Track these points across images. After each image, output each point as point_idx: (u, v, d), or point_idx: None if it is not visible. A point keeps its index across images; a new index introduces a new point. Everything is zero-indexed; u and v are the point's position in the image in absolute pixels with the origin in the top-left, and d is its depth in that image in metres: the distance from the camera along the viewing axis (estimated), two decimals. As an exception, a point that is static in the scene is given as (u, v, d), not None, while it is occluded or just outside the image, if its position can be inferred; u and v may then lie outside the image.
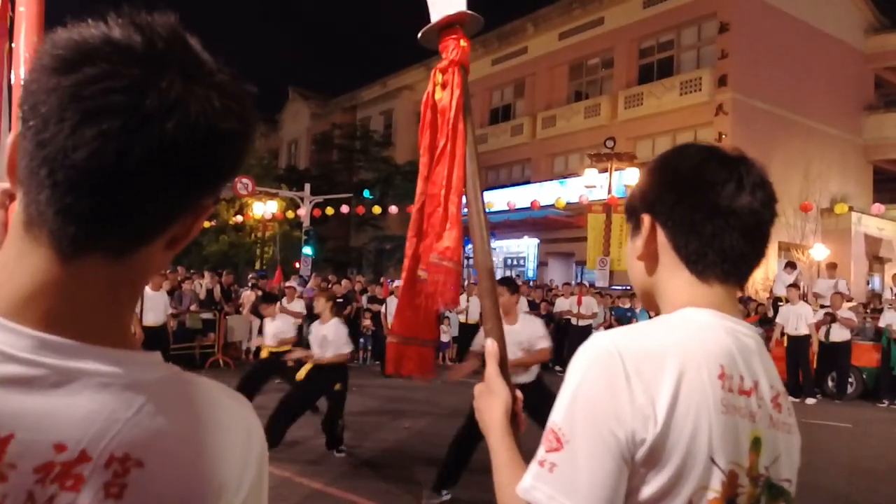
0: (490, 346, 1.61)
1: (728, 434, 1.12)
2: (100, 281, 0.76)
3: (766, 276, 22.29)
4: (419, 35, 1.94)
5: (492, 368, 1.56)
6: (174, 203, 0.77)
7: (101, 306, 0.77)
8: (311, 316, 11.78)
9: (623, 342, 1.13)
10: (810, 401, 13.12)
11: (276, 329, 9.15)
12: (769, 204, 1.25)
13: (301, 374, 7.75)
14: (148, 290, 11.28)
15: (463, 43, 1.91)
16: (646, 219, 1.29)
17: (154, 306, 12.26)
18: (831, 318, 13.80)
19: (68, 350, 0.73)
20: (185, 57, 0.75)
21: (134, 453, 0.73)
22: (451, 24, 1.90)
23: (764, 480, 1.19)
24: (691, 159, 1.27)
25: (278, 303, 10.40)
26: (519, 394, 1.52)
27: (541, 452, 1.12)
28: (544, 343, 6.40)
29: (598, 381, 1.10)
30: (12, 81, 1.41)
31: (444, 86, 1.93)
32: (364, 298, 17.94)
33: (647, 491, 1.09)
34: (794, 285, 14.61)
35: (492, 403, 1.47)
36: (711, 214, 1.22)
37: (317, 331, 7.82)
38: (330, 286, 17.88)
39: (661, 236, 1.27)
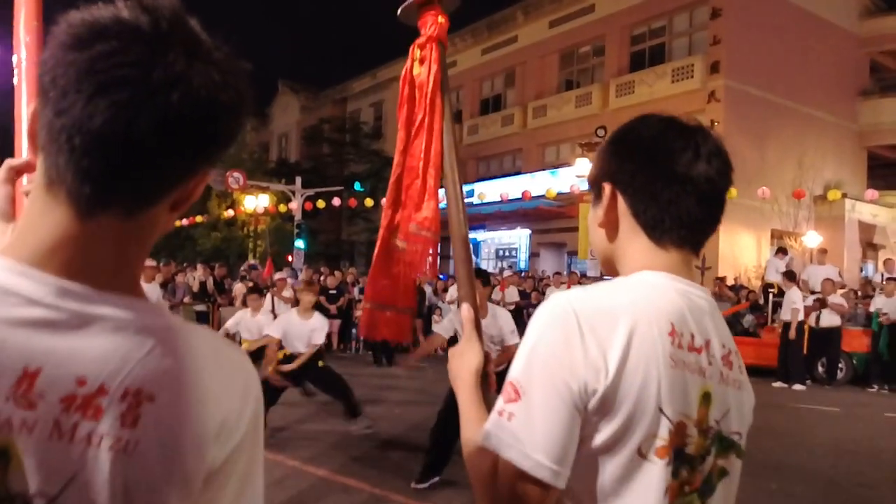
0: (465, 310, 1.76)
1: (676, 387, 1.21)
2: (112, 237, 0.87)
3: (759, 263, 22.49)
4: (399, 11, 2.03)
5: (467, 330, 1.70)
6: (178, 168, 0.88)
7: (114, 259, 0.88)
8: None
9: (579, 301, 1.23)
10: (798, 386, 13.29)
11: (261, 325, 9.23)
12: (725, 172, 1.32)
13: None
14: (141, 282, 11.44)
15: (441, 19, 2.00)
16: (606, 187, 1.37)
17: (147, 297, 12.37)
18: (821, 304, 13.97)
19: (86, 297, 0.84)
20: (188, 36, 0.85)
21: (146, 388, 0.84)
22: (429, 1, 1.99)
23: (714, 433, 1.28)
24: (652, 128, 1.35)
25: (267, 294, 10.56)
26: (492, 355, 1.66)
27: (499, 403, 1.22)
28: (514, 339, 6.43)
29: (555, 337, 1.20)
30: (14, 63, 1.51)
31: (422, 61, 2.03)
32: (356, 290, 18.08)
33: (600, 438, 1.18)
34: (787, 273, 14.74)
35: (463, 363, 1.60)
36: (669, 182, 1.29)
37: (300, 326, 7.98)
38: (322, 278, 18.02)
39: (622, 204, 1.35)
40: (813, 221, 23.97)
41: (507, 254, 30.70)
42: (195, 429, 0.88)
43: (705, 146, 1.31)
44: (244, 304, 16.01)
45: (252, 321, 9.66)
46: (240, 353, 1.01)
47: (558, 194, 21.82)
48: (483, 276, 6.62)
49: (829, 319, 13.86)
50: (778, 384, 13.40)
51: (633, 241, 1.36)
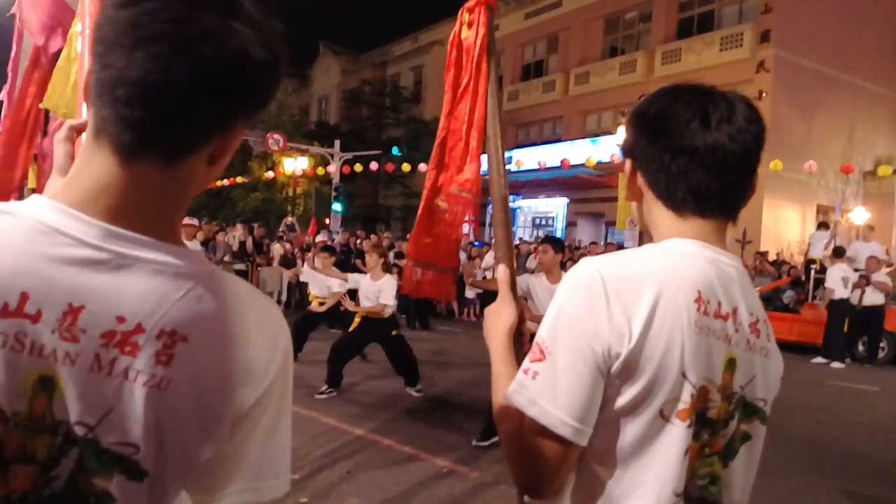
0: (502, 272, 1.83)
1: (700, 353, 1.25)
2: (152, 184, 0.94)
3: (803, 238, 22.14)
4: None
5: (503, 291, 1.77)
6: (211, 119, 0.94)
7: (154, 206, 0.94)
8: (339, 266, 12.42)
9: (606, 267, 1.26)
10: (836, 364, 13.16)
11: (331, 283, 9.87)
12: (737, 136, 1.30)
13: (352, 327, 8.41)
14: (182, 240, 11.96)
15: None
16: (627, 163, 1.43)
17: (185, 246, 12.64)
18: (866, 282, 13.77)
19: (128, 239, 0.91)
20: (222, 7, 0.91)
21: (180, 329, 0.91)
22: None
23: (738, 398, 1.32)
24: (659, 103, 1.36)
25: (305, 263, 11.04)
26: (527, 315, 1.73)
27: (526, 362, 1.28)
28: None
29: (581, 301, 1.24)
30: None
31: (469, 25, 2.08)
32: (391, 254, 18.22)
33: (622, 400, 1.23)
34: (836, 249, 14.42)
35: (498, 321, 1.65)
36: (675, 154, 1.31)
37: (369, 286, 8.30)
38: (358, 242, 18.18)
39: (640, 177, 1.40)
40: (861, 197, 23.50)
41: (543, 222, 30.61)
42: (226, 371, 0.95)
43: (716, 113, 1.31)
44: (281, 264, 16.36)
45: (323, 278, 10.13)
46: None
47: (598, 163, 21.63)
48: (554, 242, 6.75)
49: (872, 297, 13.62)
50: (818, 360, 13.28)
51: (657, 212, 1.39)
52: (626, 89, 25.88)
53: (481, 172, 2.08)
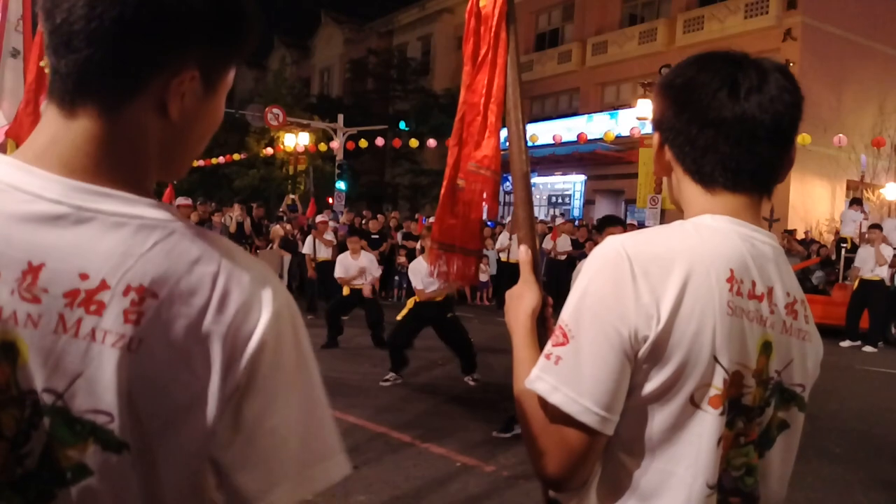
0: (524, 252, 1.80)
1: (734, 335, 1.22)
2: (97, 135, 0.93)
3: (832, 216, 22.03)
4: None
5: (525, 273, 1.74)
6: (142, 59, 0.92)
7: (107, 159, 0.93)
8: (341, 246, 13.13)
9: (633, 246, 1.24)
10: (868, 348, 13.08)
11: (361, 266, 10.54)
12: (768, 106, 1.27)
13: (404, 311, 8.68)
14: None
15: None
16: (655, 136, 1.40)
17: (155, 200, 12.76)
18: (899, 262, 13.69)
19: (86, 191, 0.90)
20: None
21: (149, 285, 0.88)
22: None
23: (774, 383, 1.29)
24: (686, 71, 1.34)
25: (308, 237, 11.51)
26: (550, 298, 1.70)
27: (548, 346, 1.26)
28: None
29: (606, 281, 1.22)
30: None
31: None
32: (399, 235, 18.22)
33: (650, 386, 1.21)
34: (877, 226, 14.21)
35: (520, 305, 1.63)
36: (702, 127, 1.29)
37: (427, 269, 8.34)
38: (364, 222, 18.18)
39: (668, 151, 1.37)
40: (893, 173, 23.33)
41: (559, 200, 30.55)
42: (203, 331, 0.90)
43: (745, 82, 1.28)
44: (281, 247, 16.37)
45: (352, 263, 10.67)
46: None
47: (617, 138, 21.55)
48: (615, 223, 6.72)
49: (906, 278, 13.58)
50: (846, 343, 13.25)
51: (686, 187, 1.37)
52: (646, 59, 25.75)
53: (501, 148, 2.05)
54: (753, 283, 1.27)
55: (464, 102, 2.10)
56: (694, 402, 1.22)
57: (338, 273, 10.79)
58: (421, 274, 8.48)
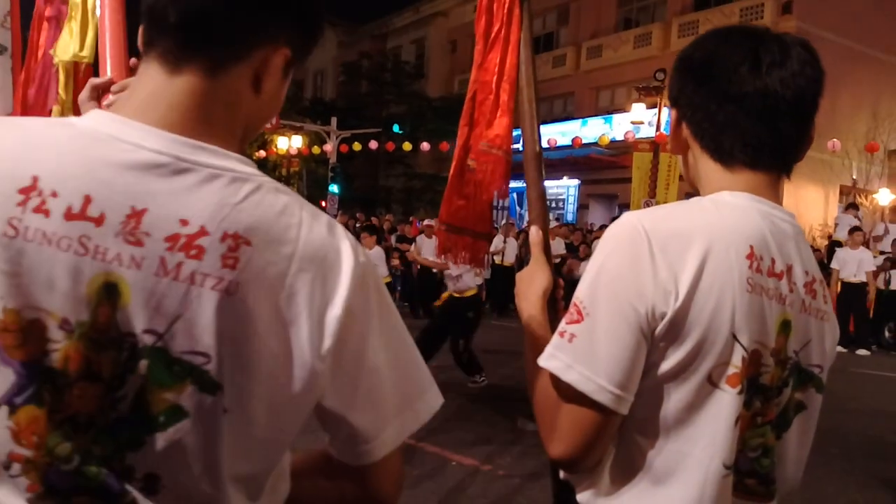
0: (534, 233, 1.78)
1: (753, 313, 1.20)
2: (199, 92, 0.98)
3: (826, 221, 22.11)
4: None
5: (536, 254, 1.72)
6: (252, 25, 0.99)
7: (205, 116, 0.99)
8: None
9: (650, 222, 1.22)
10: (862, 352, 13.14)
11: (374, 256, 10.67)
12: (790, 81, 1.25)
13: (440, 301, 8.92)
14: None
15: None
16: (672, 112, 1.38)
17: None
18: (891, 265, 13.75)
19: (185, 144, 0.95)
20: None
21: (243, 233, 0.93)
22: None
23: (793, 363, 1.28)
24: (706, 45, 1.32)
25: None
26: (561, 280, 1.69)
27: (562, 324, 1.24)
28: None
29: (623, 258, 1.20)
30: None
31: None
32: (393, 238, 18.21)
33: (667, 365, 1.19)
34: (858, 228, 14.46)
35: (530, 287, 1.62)
36: (722, 101, 1.27)
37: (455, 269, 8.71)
38: (357, 226, 18.17)
39: (685, 128, 1.35)
40: (886, 178, 23.43)
41: (553, 204, 30.51)
42: (293, 275, 0.95)
43: (767, 55, 1.26)
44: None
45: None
46: (328, 217, 1.04)
47: (611, 142, 21.56)
48: None
49: (899, 282, 13.64)
50: (838, 349, 13.24)
51: (704, 165, 1.35)
52: (641, 64, 25.82)
53: (512, 127, 2.04)
54: (773, 261, 1.25)
55: (475, 81, 2.09)
56: (712, 381, 1.20)
57: None
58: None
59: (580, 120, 27.03)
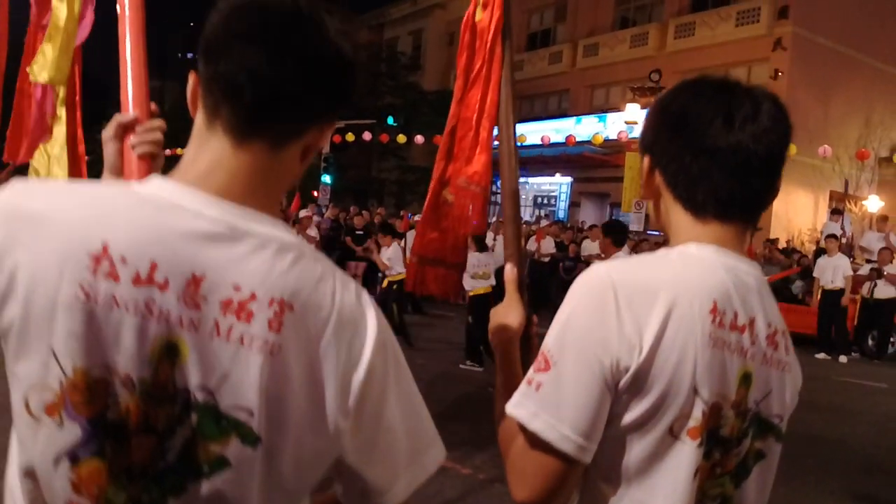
0: (510, 271, 1.82)
1: (714, 367, 1.23)
2: (260, 165, 1.07)
3: (815, 226, 22.21)
4: None
5: (510, 292, 1.76)
6: (312, 108, 1.09)
7: (261, 186, 1.07)
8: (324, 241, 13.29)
9: (618, 274, 1.24)
10: (842, 359, 13.25)
11: (388, 258, 11.17)
12: (762, 137, 1.28)
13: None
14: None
15: None
16: (645, 159, 1.41)
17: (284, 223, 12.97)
18: (877, 274, 13.83)
19: (241, 214, 1.03)
20: (317, 13, 1.07)
21: (287, 298, 1.02)
22: None
23: (753, 414, 1.30)
24: (681, 98, 1.34)
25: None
26: (535, 317, 1.72)
27: (530, 372, 1.27)
28: None
29: (590, 310, 1.23)
30: None
31: (484, 6, 2.05)
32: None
33: (630, 416, 1.22)
34: (833, 236, 14.56)
35: (504, 325, 1.66)
36: (697, 154, 1.29)
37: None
38: (349, 218, 18.16)
39: (658, 176, 1.37)
40: (876, 185, 23.54)
41: (545, 202, 30.58)
42: (325, 339, 1.04)
43: (740, 111, 1.28)
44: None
45: (379, 256, 11.43)
46: (355, 282, 1.14)
47: (605, 141, 21.60)
48: (615, 233, 6.93)
49: (884, 291, 13.68)
50: (822, 356, 13.39)
51: (675, 214, 1.37)
52: (637, 63, 25.86)
53: (491, 164, 2.08)
54: (736, 315, 1.28)
55: (454, 116, 2.13)
56: (673, 433, 1.23)
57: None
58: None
59: (574, 118, 27.04)
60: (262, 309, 1.00)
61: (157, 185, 1.04)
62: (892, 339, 13.91)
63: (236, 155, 1.06)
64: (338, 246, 16.53)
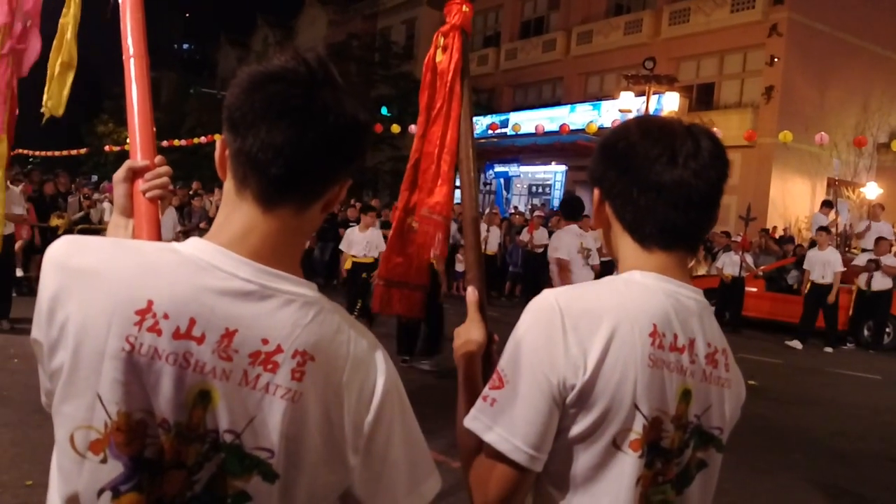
0: (471, 293, 1.98)
1: (654, 385, 1.37)
2: (287, 227, 1.19)
3: (811, 213, 22.24)
4: None
5: (472, 312, 1.91)
6: (333, 172, 1.21)
7: (287, 245, 1.20)
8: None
9: (566, 300, 1.39)
10: (827, 349, 13.42)
11: (368, 240, 11.21)
12: (702, 173, 1.42)
13: None
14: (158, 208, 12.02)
15: (465, 8, 2.21)
16: (595, 192, 1.55)
17: (163, 222, 12.54)
18: (875, 266, 13.89)
19: (270, 274, 1.15)
20: (330, 77, 1.18)
21: (309, 350, 1.14)
22: None
23: (693, 427, 1.44)
24: (629, 137, 1.47)
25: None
26: (496, 336, 1.87)
27: (486, 389, 1.42)
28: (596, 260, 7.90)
29: (539, 333, 1.38)
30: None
31: (444, 49, 2.23)
32: (378, 223, 18.17)
33: (577, 429, 1.37)
34: (825, 229, 14.62)
35: (466, 344, 1.82)
36: (644, 189, 1.43)
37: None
38: (343, 210, 18.18)
39: (608, 208, 1.52)
40: (874, 172, 23.60)
41: (539, 190, 30.66)
42: (341, 386, 1.17)
43: (682, 149, 1.42)
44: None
45: (360, 236, 11.37)
46: (366, 331, 1.28)
47: (599, 129, 21.61)
48: (564, 206, 7.28)
49: (881, 282, 13.79)
50: (794, 343, 13.61)
51: (623, 242, 1.52)
52: (631, 50, 25.89)
53: (453, 195, 2.23)
54: (675, 336, 1.41)
55: (417, 150, 2.30)
56: (616, 445, 1.36)
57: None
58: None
59: (568, 106, 27.10)
60: (286, 361, 1.12)
61: (195, 247, 1.16)
62: (887, 330, 13.99)
63: (266, 220, 1.18)
64: (331, 237, 16.56)
